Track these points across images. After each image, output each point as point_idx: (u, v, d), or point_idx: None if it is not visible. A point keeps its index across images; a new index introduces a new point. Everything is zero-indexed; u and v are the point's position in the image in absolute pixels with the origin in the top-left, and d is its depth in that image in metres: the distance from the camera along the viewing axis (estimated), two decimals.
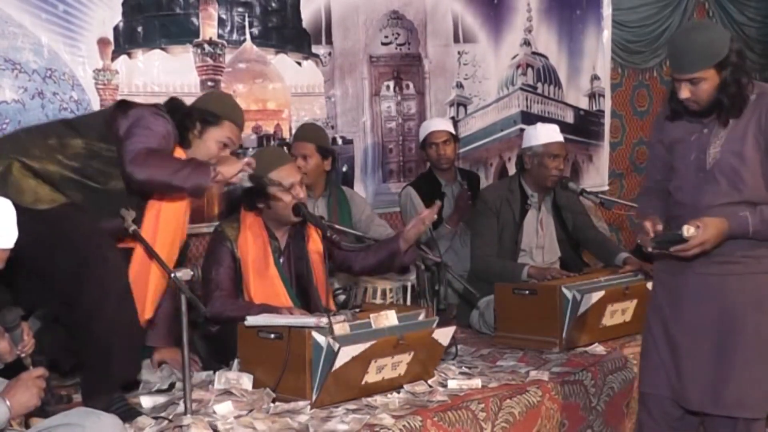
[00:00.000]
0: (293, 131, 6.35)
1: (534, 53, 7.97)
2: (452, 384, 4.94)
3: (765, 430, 4.66)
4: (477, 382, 4.98)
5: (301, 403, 4.48)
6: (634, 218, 4.52)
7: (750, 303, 4.36)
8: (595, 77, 8.15)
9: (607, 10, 8.21)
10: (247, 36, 6.38)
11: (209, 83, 6.18)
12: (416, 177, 7.08)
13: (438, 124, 6.78)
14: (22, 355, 3.77)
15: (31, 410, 3.62)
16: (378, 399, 4.67)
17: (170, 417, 4.31)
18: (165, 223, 4.68)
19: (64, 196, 4.41)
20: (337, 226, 5.42)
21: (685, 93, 4.29)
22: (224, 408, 4.37)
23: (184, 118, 4.73)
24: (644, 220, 4.40)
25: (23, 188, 4.32)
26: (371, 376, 4.62)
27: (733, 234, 4.20)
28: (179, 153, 4.67)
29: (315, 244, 5.29)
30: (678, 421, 4.68)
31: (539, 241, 6.26)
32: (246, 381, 4.66)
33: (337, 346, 4.34)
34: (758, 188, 4.27)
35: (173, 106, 4.75)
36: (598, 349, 5.61)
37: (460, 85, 7.52)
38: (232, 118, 4.90)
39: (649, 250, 4.32)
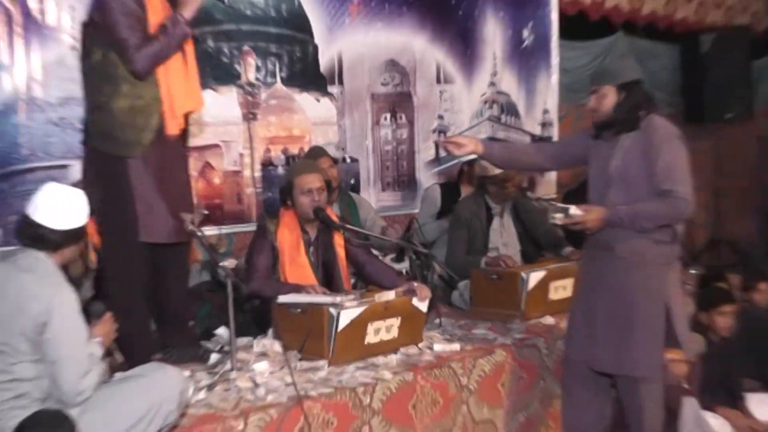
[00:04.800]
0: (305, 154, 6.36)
1: (498, 92, 8.04)
2: (437, 347, 5.05)
3: (661, 392, 4.78)
4: (456, 346, 5.10)
5: (320, 362, 4.58)
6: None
7: (641, 289, 4.49)
8: (545, 111, 8.22)
9: (555, 60, 8.29)
10: (278, 79, 6.44)
11: (249, 116, 6.21)
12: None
13: None
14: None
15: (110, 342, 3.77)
16: (380, 359, 4.75)
17: (220, 372, 4.36)
18: None
19: None
20: (348, 226, 5.42)
21: (591, 103, 4.50)
22: (261, 366, 4.46)
23: None
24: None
25: None
26: (371, 338, 4.74)
27: (609, 221, 4.38)
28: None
29: (340, 239, 5.33)
30: (592, 381, 4.76)
31: (503, 240, 6.33)
32: (278, 346, 4.72)
33: (337, 311, 4.49)
34: (645, 191, 4.38)
35: None
36: (549, 320, 5.71)
37: (441, 117, 7.59)
38: None
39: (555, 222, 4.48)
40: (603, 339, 4.56)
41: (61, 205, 3.54)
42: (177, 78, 4.39)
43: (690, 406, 5.40)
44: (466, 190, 6.80)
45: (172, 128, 4.40)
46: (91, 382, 3.41)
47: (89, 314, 3.77)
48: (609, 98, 4.44)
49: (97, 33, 4.29)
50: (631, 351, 4.51)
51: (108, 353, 3.83)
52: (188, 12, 4.31)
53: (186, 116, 4.53)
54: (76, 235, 3.57)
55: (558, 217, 4.42)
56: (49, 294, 3.36)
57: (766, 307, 6.77)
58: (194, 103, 4.59)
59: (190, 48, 4.48)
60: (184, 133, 4.63)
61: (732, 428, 5.80)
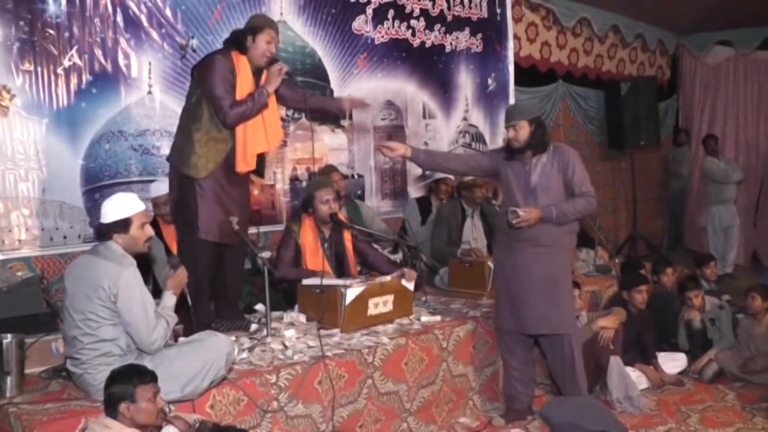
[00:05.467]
0: (319, 170, 6.32)
1: (470, 125, 8.00)
2: (424, 319, 5.03)
3: (580, 345, 4.89)
4: (438, 318, 5.09)
5: (335, 330, 4.58)
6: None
7: (561, 266, 4.71)
8: (504, 139, 8.10)
9: (512, 100, 8.24)
10: (303, 115, 6.34)
11: (281, 143, 6.15)
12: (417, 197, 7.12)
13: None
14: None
15: (180, 290, 3.77)
16: (379, 327, 4.74)
17: (258, 338, 4.38)
18: None
19: None
20: (355, 226, 5.45)
21: (511, 135, 4.60)
22: (290, 333, 4.46)
23: (240, 36, 4.45)
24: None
25: None
26: (372, 310, 4.76)
27: (545, 218, 4.51)
28: (239, 59, 4.40)
29: (348, 236, 5.31)
30: (520, 342, 4.89)
31: (473, 235, 6.31)
32: (302, 317, 4.76)
33: (344, 290, 4.53)
34: (562, 198, 4.59)
35: (231, 36, 4.55)
36: None
37: (426, 143, 7.51)
38: (268, 25, 4.50)
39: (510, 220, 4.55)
40: (535, 308, 4.67)
41: (107, 206, 3.59)
42: (254, 130, 4.45)
43: (615, 363, 5.35)
44: (435, 202, 6.78)
45: (242, 168, 4.48)
46: (159, 333, 3.49)
47: (168, 266, 3.88)
48: (524, 130, 4.56)
49: (198, 81, 4.41)
50: (559, 314, 4.66)
51: (182, 298, 3.84)
52: (271, 87, 4.43)
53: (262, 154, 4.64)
54: (119, 224, 3.55)
55: (512, 217, 4.51)
56: (116, 272, 3.42)
57: (669, 287, 6.75)
58: (270, 145, 4.64)
59: (273, 103, 4.52)
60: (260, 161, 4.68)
61: (647, 380, 5.75)
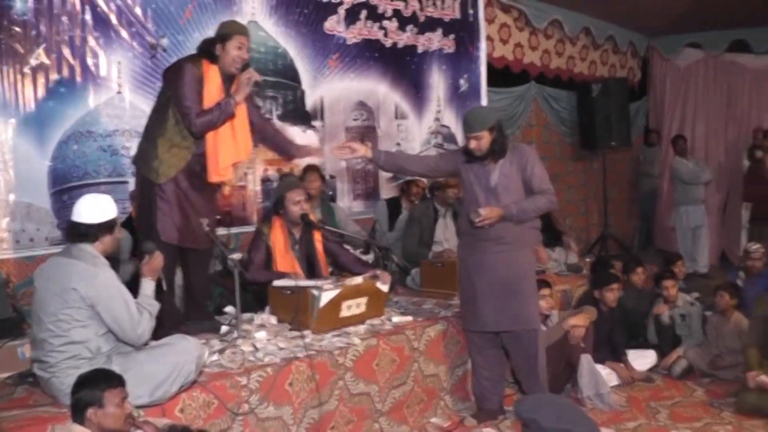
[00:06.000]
0: (301, 169, 6.33)
1: (442, 125, 8.01)
2: (395, 319, 5.02)
3: (543, 343, 4.95)
4: (410, 318, 5.06)
5: (306, 332, 4.53)
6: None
7: (525, 264, 4.74)
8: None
9: (484, 101, 8.30)
10: (274, 115, 6.35)
11: (254, 145, 6.12)
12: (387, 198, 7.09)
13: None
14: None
15: (156, 276, 3.75)
16: (351, 329, 4.72)
17: (229, 340, 4.35)
18: None
19: None
20: (326, 227, 5.41)
21: (472, 144, 4.62)
22: (261, 335, 4.43)
23: (209, 45, 4.40)
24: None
25: None
26: (344, 312, 4.72)
27: (506, 217, 4.57)
28: (209, 67, 4.36)
29: (319, 237, 5.28)
30: (488, 341, 4.90)
31: (446, 236, 6.31)
32: (273, 319, 4.72)
33: (318, 293, 4.49)
34: (522, 196, 4.65)
35: (201, 44, 4.50)
36: None
37: (398, 144, 7.53)
38: (237, 31, 4.44)
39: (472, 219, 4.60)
40: (498, 305, 4.70)
41: (92, 207, 3.55)
42: (224, 140, 4.42)
43: (586, 361, 5.38)
44: (405, 204, 6.77)
45: (214, 178, 4.47)
46: (144, 327, 3.51)
47: (143, 252, 3.82)
48: (485, 139, 4.60)
49: (168, 86, 4.40)
50: (522, 311, 4.70)
51: (158, 285, 3.81)
52: (240, 96, 4.39)
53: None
54: (106, 226, 3.55)
55: (474, 216, 4.57)
56: (92, 274, 3.40)
57: (640, 286, 6.80)
58: (240, 156, 4.60)
59: (241, 112, 4.47)
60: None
61: (617, 377, 5.80)
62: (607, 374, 5.69)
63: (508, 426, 4.83)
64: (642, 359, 6.14)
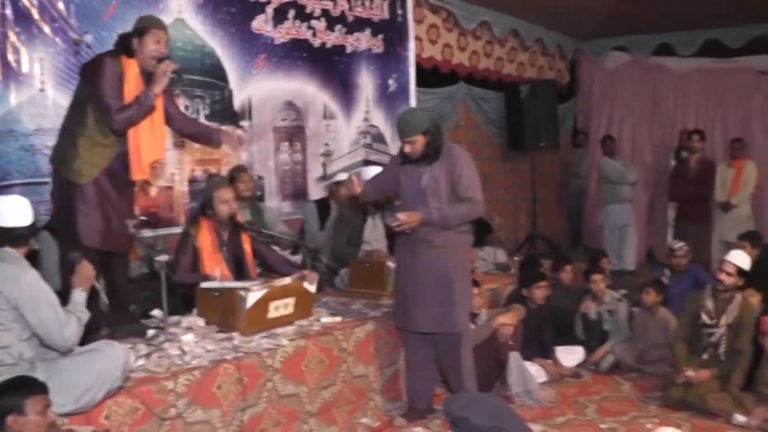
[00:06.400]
0: (229, 170, 6.26)
1: (371, 125, 8.01)
2: (323, 319, 5.02)
3: (471, 345, 4.95)
4: (338, 318, 5.04)
5: (234, 333, 4.50)
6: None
7: (454, 267, 4.73)
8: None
9: (413, 101, 8.31)
10: (201, 115, 6.27)
11: (179, 143, 6.06)
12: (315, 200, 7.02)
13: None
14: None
15: (89, 285, 3.69)
16: (280, 330, 4.69)
17: (156, 343, 4.26)
18: None
19: None
20: (253, 227, 5.41)
21: (407, 149, 4.67)
22: (188, 338, 4.38)
23: (126, 39, 4.34)
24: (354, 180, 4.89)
25: None
26: (272, 313, 4.69)
27: (426, 221, 4.60)
28: (128, 62, 4.29)
29: (247, 238, 5.24)
30: (420, 340, 4.92)
31: (374, 236, 6.32)
32: (201, 322, 4.65)
33: (245, 294, 4.46)
34: (449, 200, 4.65)
35: (118, 39, 4.44)
36: None
37: (327, 144, 7.51)
38: (154, 25, 4.39)
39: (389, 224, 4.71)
40: (427, 308, 4.74)
41: (15, 209, 3.48)
42: (146, 137, 4.35)
43: (515, 358, 5.45)
44: (334, 205, 6.73)
45: (137, 175, 4.41)
46: (71, 331, 3.44)
47: (69, 262, 3.75)
48: (420, 142, 4.65)
49: (86, 82, 4.29)
50: (451, 314, 4.72)
51: (93, 291, 3.76)
52: (158, 88, 4.30)
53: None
54: (33, 229, 3.52)
55: (391, 220, 4.64)
56: (16, 275, 3.34)
57: (568, 284, 6.93)
58: (158, 154, 4.56)
59: (159, 109, 4.39)
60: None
61: (546, 373, 5.88)
62: (536, 371, 5.77)
63: (438, 425, 4.86)
64: (570, 355, 6.25)
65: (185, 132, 4.93)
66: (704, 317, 5.51)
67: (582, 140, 11.62)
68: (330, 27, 7.46)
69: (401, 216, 4.57)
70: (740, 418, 5.03)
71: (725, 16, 9.84)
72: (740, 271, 5.48)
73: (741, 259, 5.55)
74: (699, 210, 8.95)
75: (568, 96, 11.93)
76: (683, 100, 11.14)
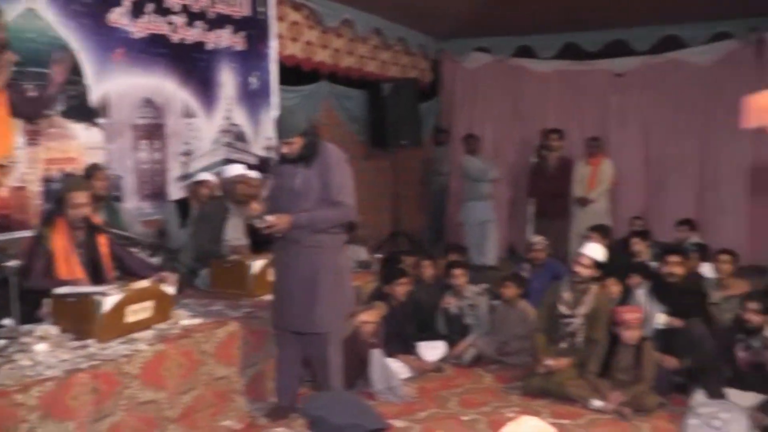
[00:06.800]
0: (84, 168, 6.07)
1: (232, 124, 7.89)
2: (183, 322, 4.96)
3: (340, 344, 4.99)
4: (199, 320, 4.97)
5: (90, 341, 4.36)
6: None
7: (323, 267, 4.77)
8: (268, 138, 8.10)
9: (275, 99, 8.25)
10: (56, 112, 6.01)
11: (31, 141, 5.80)
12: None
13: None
14: None
15: None
16: (138, 334, 4.57)
17: (5, 354, 4.09)
18: None
19: None
20: (110, 229, 5.21)
21: (285, 149, 4.70)
22: (41, 347, 4.21)
23: None
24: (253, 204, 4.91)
25: None
26: (130, 318, 4.56)
27: (294, 224, 4.65)
28: None
29: (103, 239, 5.06)
30: (289, 339, 4.99)
31: (236, 235, 6.23)
32: (55, 330, 4.45)
33: (101, 298, 4.34)
34: (320, 201, 4.70)
35: None
36: (268, 296, 5.47)
37: (187, 143, 7.34)
38: None
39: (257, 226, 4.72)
40: (298, 307, 4.77)
41: None
42: None
43: (376, 356, 5.53)
44: (195, 205, 6.63)
45: None
46: None
47: None
48: (298, 144, 4.68)
49: None
50: (318, 313, 4.76)
51: None
52: (0, 81, 4.19)
53: None
54: None
55: (258, 222, 4.66)
56: None
57: (430, 280, 7.07)
58: (5, 151, 4.46)
59: (2, 105, 4.16)
60: None
61: (408, 369, 5.99)
62: (399, 367, 5.87)
63: (301, 424, 4.86)
64: (432, 350, 6.39)
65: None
66: (562, 308, 5.76)
67: (444, 138, 11.83)
68: (190, 23, 7.31)
69: (270, 218, 4.59)
70: (597, 403, 5.31)
71: (583, 20, 10.25)
72: (596, 263, 5.76)
73: (596, 251, 5.84)
74: (558, 206, 9.36)
75: (431, 95, 12.11)
76: (543, 100, 11.51)
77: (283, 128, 4.73)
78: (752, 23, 9.91)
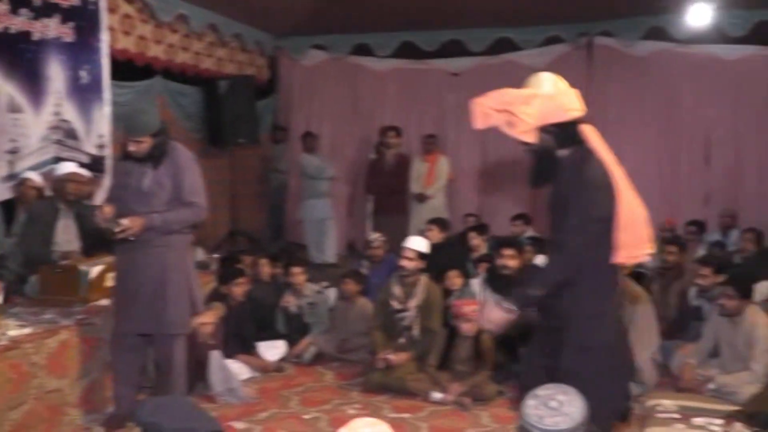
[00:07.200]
0: None
1: (62, 120, 7.50)
2: (11, 333, 4.70)
3: (185, 345, 4.93)
4: (28, 330, 4.73)
5: None
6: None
7: (170, 267, 4.73)
8: (100, 135, 7.80)
9: (107, 95, 7.92)
10: None
11: None
12: None
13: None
14: None
15: None
16: None
17: None
18: None
19: None
20: None
21: (132, 147, 4.61)
22: None
23: None
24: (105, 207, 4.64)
25: None
26: None
27: (147, 226, 4.56)
28: None
29: None
30: (131, 344, 4.89)
31: (67, 237, 5.99)
32: None
33: None
34: (172, 201, 4.63)
35: None
36: (105, 302, 5.30)
37: (14, 140, 6.91)
38: None
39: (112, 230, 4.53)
40: (147, 308, 4.69)
41: None
42: None
43: (215, 357, 5.48)
44: (21, 207, 6.28)
45: None
46: None
47: None
48: (147, 143, 4.59)
49: None
50: (167, 314, 4.70)
51: None
52: None
53: None
54: None
55: (114, 227, 4.49)
56: None
57: (268, 278, 7.06)
58: None
59: None
60: None
61: (249, 370, 5.96)
62: (239, 368, 5.83)
63: None
64: (272, 350, 6.39)
65: None
66: (394, 303, 5.90)
67: (282, 136, 11.80)
68: (14, 10, 6.91)
69: (125, 222, 4.48)
70: (437, 395, 5.48)
71: (420, 20, 10.47)
72: (420, 255, 5.95)
73: (419, 243, 6.05)
74: (395, 202, 9.57)
75: (268, 92, 12.05)
76: (381, 98, 11.67)
77: (134, 126, 4.63)
78: (582, 28, 10.44)
